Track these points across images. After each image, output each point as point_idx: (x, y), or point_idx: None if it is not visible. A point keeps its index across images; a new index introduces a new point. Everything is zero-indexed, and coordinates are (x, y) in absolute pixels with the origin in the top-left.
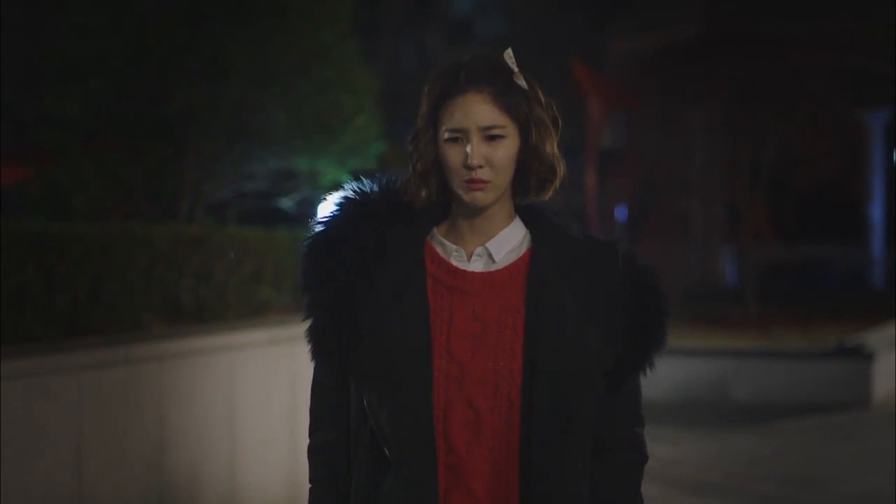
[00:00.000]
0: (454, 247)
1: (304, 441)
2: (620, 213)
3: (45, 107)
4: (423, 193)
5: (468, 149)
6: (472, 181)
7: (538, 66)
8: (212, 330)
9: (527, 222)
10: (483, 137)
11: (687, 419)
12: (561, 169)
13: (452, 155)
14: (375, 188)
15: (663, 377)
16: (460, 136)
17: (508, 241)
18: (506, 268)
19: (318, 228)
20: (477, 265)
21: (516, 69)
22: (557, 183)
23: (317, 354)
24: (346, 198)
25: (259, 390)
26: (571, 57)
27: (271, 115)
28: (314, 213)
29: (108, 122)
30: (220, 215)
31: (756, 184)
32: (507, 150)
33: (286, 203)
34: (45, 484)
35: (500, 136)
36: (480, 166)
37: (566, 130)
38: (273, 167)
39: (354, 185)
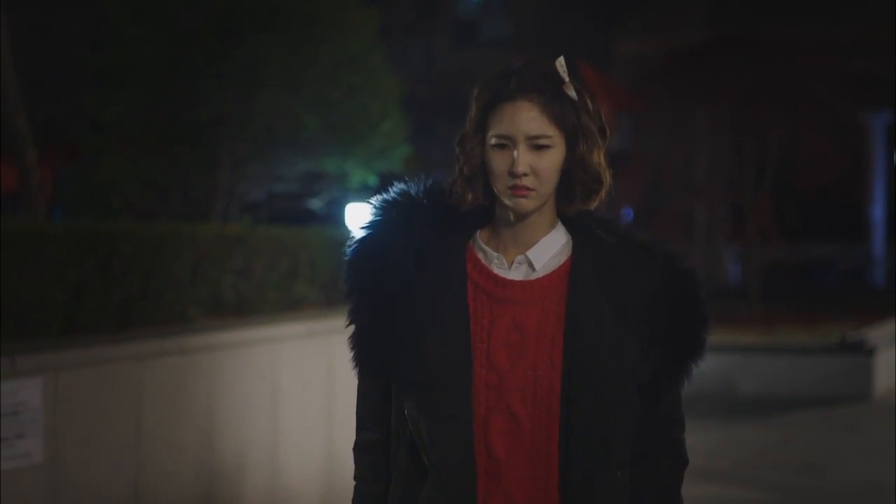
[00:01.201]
0: (495, 254)
1: (340, 427)
2: (627, 213)
3: (84, 112)
4: (470, 197)
5: (514, 156)
6: (516, 188)
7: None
8: (254, 323)
9: (570, 229)
10: (529, 146)
11: (695, 411)
12: (607, 178)
13: (498, 160)
14: (420, 191)
15: None
16: (507, 143)
17: (549, 249)
18: (546, 276)
19: (362, 233)
20: (517, 273)
21: (567, 79)
22: (603, 193)
23: (359, 361)
24: (389, 201)
25: (298, 379)
26: (580, 60)
27: (301, 119)
28: (342, 214)
29: (145, 127)
30: (252, 216)
31: (760, 185)
32: (552, 159)
33: (315, 203)
34: (108, 464)
35: (547, 146)
36: (525, 174)
37: None
38: (302, 169)
39: (398, 187)
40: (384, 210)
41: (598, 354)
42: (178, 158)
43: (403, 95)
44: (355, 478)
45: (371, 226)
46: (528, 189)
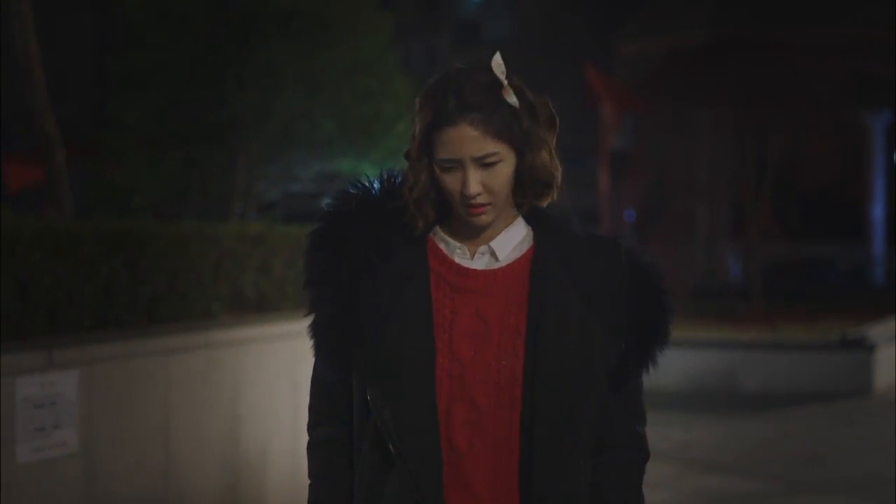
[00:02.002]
0: (457, 244)
1: None
2: (631, 213)
3: (107, 114)
4: (420, 223)
5: (465, 179)
6: (471, 206)
7: (546, 70)
8: (274, 319)
9: (528, 220)
10: (478, 165)
11: (699, 406)
12: (558, 177)
13: (449, 182)
14: (377, 184)
15: (677, 368)
16: (455, 166)
17: (511, 240)
18: (509, 265)
19: (321, 224)
20: (480, 263)
21: (505, 81)
22: (555, 192)
23: (319, 350)
24: (348, 193)
25: None
26: (585, 61)
27: (317, 121)
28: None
29: (165, 128)
30: (268, 215)
31: (762, 185)
32: (503, 172)
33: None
34: (139, 454)
35: (495, 162)
36: (479, 193)
37: (576, 132)
38: (318, 170)
39: (357, 180)
40: (343, 202)
41: (563, 342)
42: (197, 159)
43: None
44: (310, 475)
45: (331, 216)
46: (483, 206)
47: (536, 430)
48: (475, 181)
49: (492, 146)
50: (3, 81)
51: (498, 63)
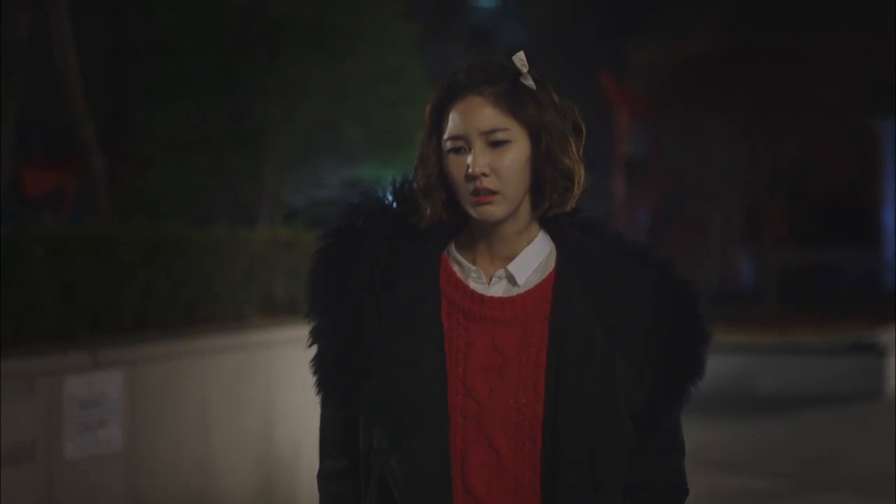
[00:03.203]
0: (473, 267)
1: None
2: (645, 219)
3: (137, 121)
4: (428, 212)
5: (469, 158)
6: (477, 193)
7: (560, 76)
8: (304, 321)
9: (551, 235)
10: (486, 143)
11: (714, 409)
12: (580, 175)
13: (455, 167)
14: (388, 196)
15: None
16: (462, 145)
17: (532, 261)
18: (528, 292)
19: (325, 244)
20: (497, 289)
21: (525, 70)
22: (577, 191)
23: (322, 387)
24: (356, 206)
25: None
26: (599, 68)
27: (343, 129)
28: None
29: (194, 136)
30: (294, 221)
31: (775, 191)
32: (514, 156)
33: None
34: (179, 451)
35: (505, 141)
36: (484, 174)
37: (590, 139)
38: (343, 176)
39: (366, 191)
40: (349, 217)
41: (586, 378)
42: (224, 166)
43: None
44: None
45: (334, 235)
46: (491, 192)
47: (559, 474)
48: (481, 160)
49: (501, 120)
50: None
51: (521, 58)
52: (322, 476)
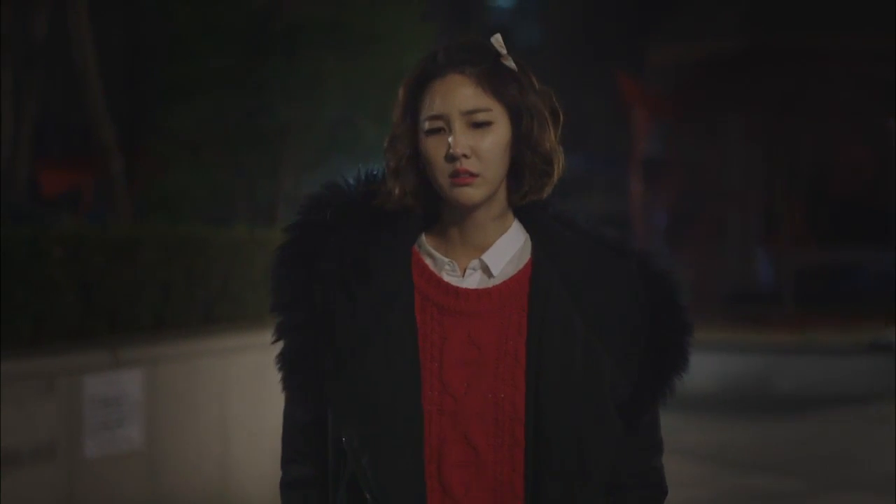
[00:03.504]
0: (446, 259)
1: None
2: (662, 218)
3: (155, 121)
4: (397, 191)
5: (450, 138)
6: (457, 175)
7: (577, 76)
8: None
9: (526, 225)
10: (467, 124)
11: (734, 409)
12: (560, 162)
13: (433, 148)
14: (355, 185)
15: (712, 371)
16: (442, 126)
17: (507, 251)
18: (505, 282)
19: (290, 236)
20: (472, 281)
21: (504, 52)
22: (556, 178)
23: (288, 385)
24: (321, 198)
25: None
26: (616, 68)
27: (361, 129)
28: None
29: (212, 136)
30: None
31: (793, 190)
32: (495, 138)
33: None
34: (198, 450)
35: (487, 123)
36: (465, 156)
37: (608, 138)
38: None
39: (332, 182)
40: (314, 210)
41: (569, 371)
42: (243, 166)
43: None
44: None
45: (299, 228)
46: (471, 174)
47: (541, 473)
48: (462, 141)
49: (483, 101)
50: (41, 88)
51: (498, 40)
52: (286, 485)
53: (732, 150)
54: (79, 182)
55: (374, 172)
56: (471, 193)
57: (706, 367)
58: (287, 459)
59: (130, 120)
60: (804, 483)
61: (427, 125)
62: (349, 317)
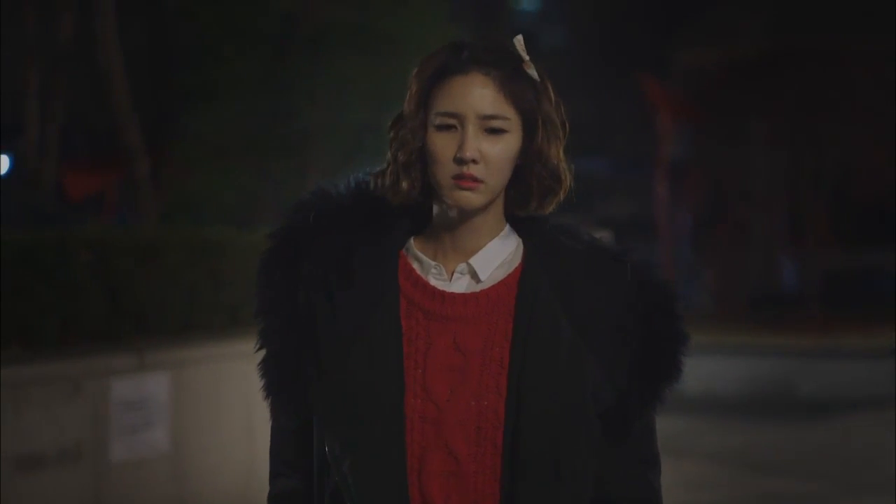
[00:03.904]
0: (433, 263)
1: None
2: (687, 221)
3: (180, 124)
4: (405, 185)
5: (463, 138)
6: (461, 177)
7: (602, 79)
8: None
9: (520, 233)
10: (481, 128)
11: (756, 412)
12: (568, 179)
13: (441, 144)
14: (342, 191)
15: (734, 374)
16: (454, 123)
17: (496, 256)
18: (493, 287)
19: (274, 240)
20: (459, 285)
21: (527, 58)
22: (562, 195)
23: (271, 391)
24: (306, 202)
25: None
26: (641, 71)
27: (386, 133)
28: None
29: (238, 139)
30: None
31: (818, 193)
32: (507, 147)
33: None
34: (224, 453)
35: (502, 131)
36: (475, 160)
37: (632, 141)
38: None
39: (319, 186)
40: (298, 214)
41: (551, 377)
42: (269, 170)
43: None
44: None
45: (283, 233)
46: (476, 180)
47: (521, 482)
48: (474, 144)
49: (504, 108)
50: (67, 90)
51: (520, 41)
52: (272, 497)
53: (756, 153)
54: (104, 185)
55: (365, 178)
56: (472, 199)
57: (729, 369)
58: (274, 473)
59: (156, 123)
60: (826, 487)
61: (438, 120)
62: (332, 321)
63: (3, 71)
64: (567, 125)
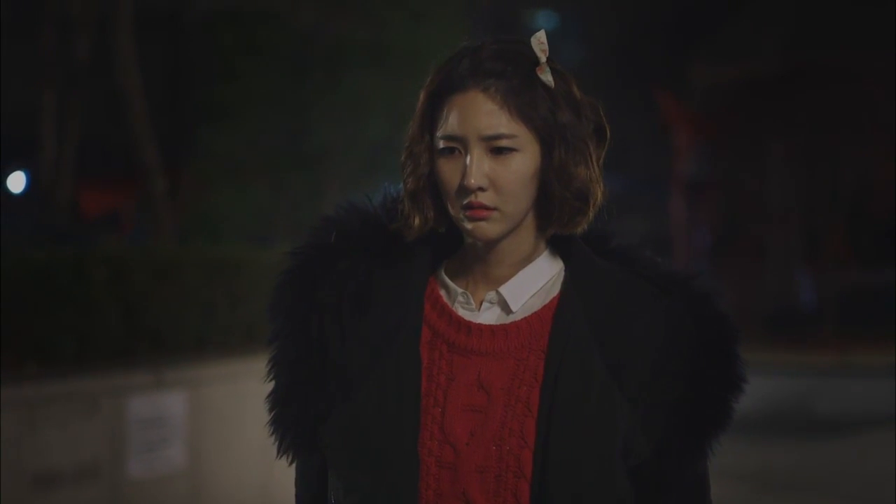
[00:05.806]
0: (460, 290)
1: None
2: (703, 238)
3: (197, 142)
4: (416, 221)
5: (466, 163)
6: (471, 207)
7: (618, 95)
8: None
9: (563, 255)
10: (486, 150)
11: (775, 430)
12: (597, 195)
13: (447, 171)
14: (375, 207)
15: (752, 392)
16: (457, 147)
17: (531, 284)
18: (524, 319)
19: (292, 264)
20: (488, 316)
21: (544, 59)
22: (591, 214)
23: (277, 429)
24: (331, 219)
25: None
26: (657, 88)
27: (402, 150)
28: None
29: (255, 157)
30: None
31: (834, 210)
32: (520, 167)
33: None
34: (240, 471)
35: (510, 150)
36: (482, 188)
37: (648, 158)
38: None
39: (350, 202)
40: (320, 232)
41: (579, 424)
42: (286, 187)
43: None
44: None
45: (301, 253)
46: (486, 209)
47: None
48: (479, 170)
49: (508, 126)
50: (84, 109)
51: (540, 40)
52: None
53: (773, 171)
54: (120, 203)
55: (393, 194)
56: (486, 229)
57: (746, 387)
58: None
59: (173, 141)
60: None
61: (441, 144)
62: (346, 351)
63: (21, 89)
64: (607, 129)
